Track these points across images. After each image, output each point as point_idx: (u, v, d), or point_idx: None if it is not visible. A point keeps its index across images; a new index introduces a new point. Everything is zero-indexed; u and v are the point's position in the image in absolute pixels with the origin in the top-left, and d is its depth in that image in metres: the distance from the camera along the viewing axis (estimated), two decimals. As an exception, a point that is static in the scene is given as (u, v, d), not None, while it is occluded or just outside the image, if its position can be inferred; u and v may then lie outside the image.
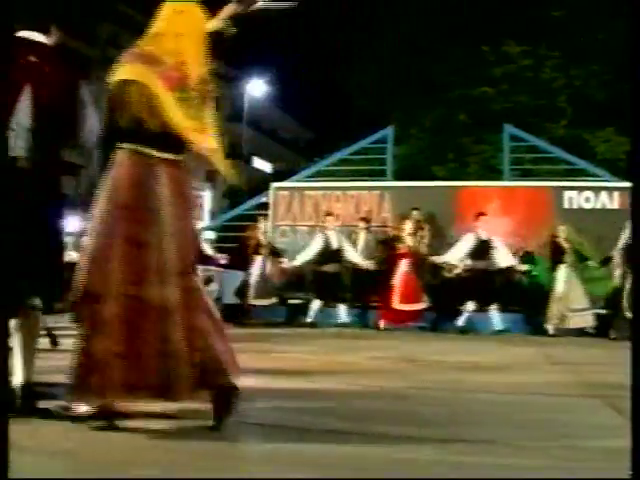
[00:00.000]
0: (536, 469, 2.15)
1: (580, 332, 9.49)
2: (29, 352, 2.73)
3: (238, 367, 2.62)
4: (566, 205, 11.36)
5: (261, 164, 45.75)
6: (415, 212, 11.01)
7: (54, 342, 5.13)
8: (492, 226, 10.06)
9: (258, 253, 10.67)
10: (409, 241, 10.13)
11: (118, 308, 2.43)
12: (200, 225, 10.74)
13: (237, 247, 11.14)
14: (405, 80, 19.46)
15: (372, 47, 20.17)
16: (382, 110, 19.15)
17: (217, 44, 2.68)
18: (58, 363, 2.84)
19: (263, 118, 44.05)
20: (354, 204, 12.15)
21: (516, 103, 18.51)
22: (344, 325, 9.97)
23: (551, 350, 7.01)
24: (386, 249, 10.61)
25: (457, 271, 10.06)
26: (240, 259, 10.77)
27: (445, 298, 9.98)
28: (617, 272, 9.16)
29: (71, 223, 7.73)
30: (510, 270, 9.88)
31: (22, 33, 2.82)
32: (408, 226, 10.23)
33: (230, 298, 11.09)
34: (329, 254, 10.24)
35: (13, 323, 2.65)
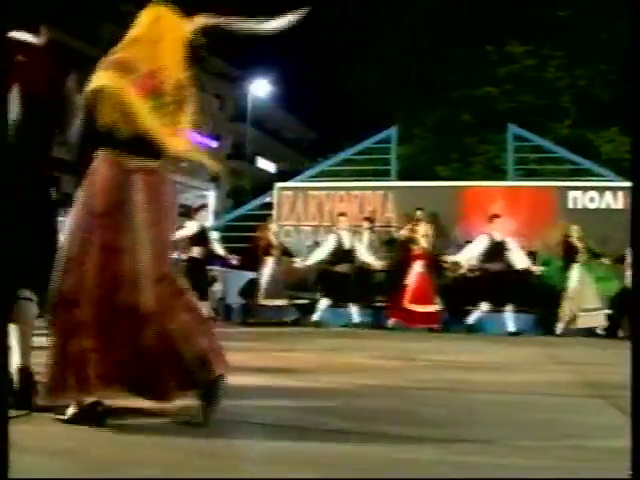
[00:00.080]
0: (537, 469, 2.14)
1: (589, 332, 9.46)
2: (25, 342, 2.79)
3: (226, 363, 2.63)
4: (570, 205, 11.34)
5: (265, 164, 45.80)
6: (419, 212, 11.00)
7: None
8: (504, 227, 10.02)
9: (269, 254, 10.66)
10: (423, 243, 10.10)
11: (93, 313, 2.46)
12: (209, 225, 10.72)
13: (247, 248, 11.15)
14: (409, 80, 19.46)
15: (375, 47, 20.18)
16: (386, 110, 19.14)
17: (193, 50, 2.71)
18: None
19: (267, 118, 44.09)
20: (358, 204, 12.16)
21: (520, 103, 18.50)
22: (354, 325, 9.95)
23: (557, 350, 6.99)
24: (400, 251, 10.58)
25: (462, 271, 10.06)
26: (250, 260, 10.78)
27: (456, 298, 9.96)
28: (628, 272, 9.11)
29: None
30: (524, 272, 9.84)
31: (11, 33, 2.84)
32: (422, 228, 10.19)
33: (234, 298, 11.11)
34: (341, 254, 10.24)
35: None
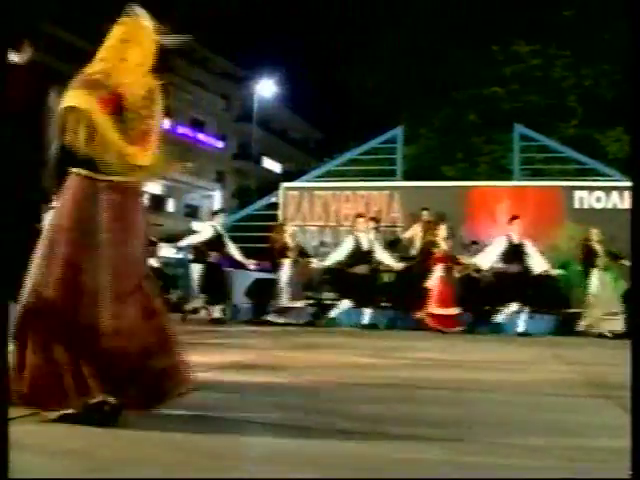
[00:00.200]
0: (539, 469, 2.13)
1: (599, 334, 9.40)
2: None
3: (187, 379, 2.66)
4: (577, 205, 11.32)
5: (271, 164, 45.90)
6: (425, 212, 10.98)
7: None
8: (522, 229, 9.85)
9: (285, 256, 10.61)
10: (444, 245, 10.03)
11: (54, 329, 2.50)
12: (223, 231, 10.62)
13: (261, 249, 11.12)
14: (414, 80, 19.44)
15: (381, 48, 20.17)
16: (391, 110, 19.13)
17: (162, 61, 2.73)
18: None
19: (273, 118, 44.19)
20: (364, 204, 12.15)
21: (526, 103, 18.46)
22: (363, 326, 9.91)
23: (566, 351, 6.97)
24: (420, 254, 10.53)
25: (468, 272, 10.04)
26: (268, 262, 10.75)
27: (481, 300, 9.92)
28: None
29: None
30: (543, 274, 9.77)
31: None
32: (443, 231, 10.10)
33: (240, 299, 11.10)
34: (359, 255, 10.20)
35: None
